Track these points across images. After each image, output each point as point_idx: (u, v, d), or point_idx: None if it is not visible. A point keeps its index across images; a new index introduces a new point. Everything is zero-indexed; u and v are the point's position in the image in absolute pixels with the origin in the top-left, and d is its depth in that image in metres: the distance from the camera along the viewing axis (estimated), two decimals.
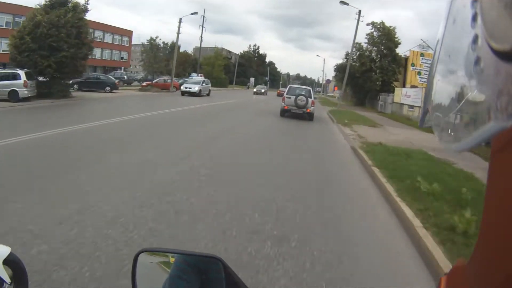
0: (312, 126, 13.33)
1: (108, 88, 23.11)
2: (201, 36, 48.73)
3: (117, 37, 51.80)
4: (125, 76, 31.31)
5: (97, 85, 23.28)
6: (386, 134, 12.11)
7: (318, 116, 16.81)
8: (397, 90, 25.35)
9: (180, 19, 28.88)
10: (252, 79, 72.43)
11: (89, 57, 19.48)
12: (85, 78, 25.35)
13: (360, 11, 26.14)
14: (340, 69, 33.06)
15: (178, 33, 28.74)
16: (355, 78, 29.47)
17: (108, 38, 50.73)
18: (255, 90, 41.31)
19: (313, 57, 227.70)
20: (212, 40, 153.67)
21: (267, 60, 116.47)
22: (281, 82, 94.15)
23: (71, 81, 25.77)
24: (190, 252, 0.86)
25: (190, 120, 12.19)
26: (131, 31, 50.03)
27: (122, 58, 51.99)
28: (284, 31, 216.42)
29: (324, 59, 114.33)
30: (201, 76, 51.16)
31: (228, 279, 0.74)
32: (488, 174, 0.34)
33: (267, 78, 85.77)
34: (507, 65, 0.22)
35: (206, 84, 28.80)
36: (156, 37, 44.63)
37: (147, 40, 44.52)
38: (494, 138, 0.30)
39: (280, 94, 40.06)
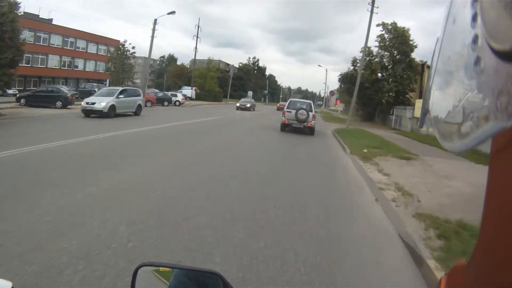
0: (315, 169, 8.27)
1: (59, 103, 18.33)
2: (196, 47, 48.63)
3: (102, 47, 47.46)
4: (95, 89, 26.58)
5: (48, 100, 20.23)
6: (435, 177, 7.77)
7: (323, 142, 14.16)
8: (418, 103, 20.35)
9: (155, 20, 24.65)
10: (250, 93, 68.05)
11: (19, 63, 14.72)
12: (33, 91, 20.57)
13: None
14: (345, 79, 28.23)
15: (153, 36, 24.70)
16: (363, 89, 25.13)
17: (91, 48, 46.31)
18: (238, 104, 35.52)
19: (314, 71, 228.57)
20: (212, 53, 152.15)
21: (267, 73, 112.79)
22: (281, 96, 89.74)
23: (17, 95, 21.15)
24: (190, 267, 0.90)
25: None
26: (118, 41, 45.83)
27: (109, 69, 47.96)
28: (286, 45, 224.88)
29: (326, 69, 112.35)
30: (195, 89, 46.60)
31: None
32: (488, 174, 0.35)
33: (266, 92, 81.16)
34: (507, 65, 0.23)
35: (130, 97, 17.71)
36: (124, 42, 40.25)
37: (113, 48, 40.58)
38: (494, 138, 0.32)
39: (280, 108, 38.23)
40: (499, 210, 0.33)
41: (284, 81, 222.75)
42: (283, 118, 15.01)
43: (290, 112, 14.74)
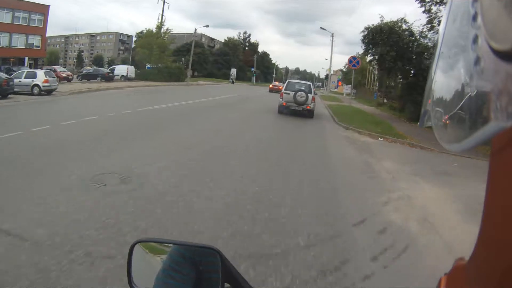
0: None
1: None
2: (162, 14, 37.59)
3: (20, 14, 33.31)
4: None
5: None
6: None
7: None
8: None
9: None
10: (233, 71, 54.47)
11: None
12: None
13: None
14: (376, 36, 15.40)
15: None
16: (407, 61, 16.19)
17: (5, 17, 32.39)
18: None
19: (313, 52, 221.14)
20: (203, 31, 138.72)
21: (261, 50, 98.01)
22: (274, 76, 76.15)
23: None
24: (187, 243, 0.87)
25: None
26: (47, 6, 32.29)
27: (31, 44, 33.74)
28: (285, 26, 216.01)
29: (332, 34, 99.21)
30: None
31: (225, 271, 0.76)
32: (488, 174, 0.36)
33: (253, 70, 66.99)
34: (507, 65, 0.23)
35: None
36: None
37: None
38: (494, 138, 0.32)
39: (272, 90, 34.62)
40: (499, 210, 0.33)
41: (283, 61, 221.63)
42: (281, 100, 14.70)
43: (288, 94, 14.40)
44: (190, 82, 38.25)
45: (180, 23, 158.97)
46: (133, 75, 33.93)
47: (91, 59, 75.28)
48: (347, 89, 48.60)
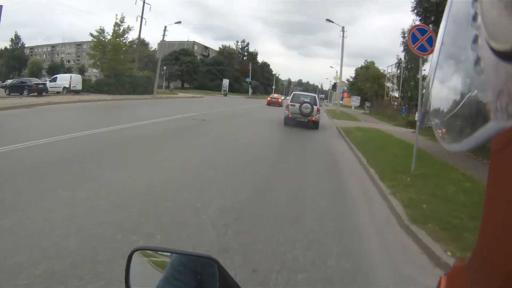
0: None
1: None
2: (141, 16, 30.41)
3: None
4: None
5: None
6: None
7: None
8: None
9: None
10: (226, 81, 47.49)
11: None
12: None
13: None
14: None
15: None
16: None
17: None
18: None
19: (316, 63, 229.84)
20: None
21: (260, 60, 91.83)
22: (274, 87, 69.14)
23: None
24: (185, 252, 0.87)
25: None
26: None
27: None
28: (288, 38, 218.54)
29: (337, 71, 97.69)
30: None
31: (222, 281, 0.76)
32: (488, 174, 0.36)
33: (248, 80, 59.05)
34: (507, 65, 0.23)
35: None
36: None
37: None
38: (494, 138, 0.32)
39: (271, 103, 34.05)
40: (499, 210, 0.33)
41: (285, 73, 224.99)
42: (287, 111, 14.88)
43: (294, 105, 14.56)
44: (160, 95, 29.93)
45: (181, 36, 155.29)
46: (79, 87, 25.74)
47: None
48: (355, 101, 40.80)
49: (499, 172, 0.33)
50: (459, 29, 0.32)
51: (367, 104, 39.73)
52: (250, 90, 57.40)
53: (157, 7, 73.85)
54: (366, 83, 43.10)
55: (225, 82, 51.37)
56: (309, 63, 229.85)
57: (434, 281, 1.77)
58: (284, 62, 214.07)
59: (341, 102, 57.29)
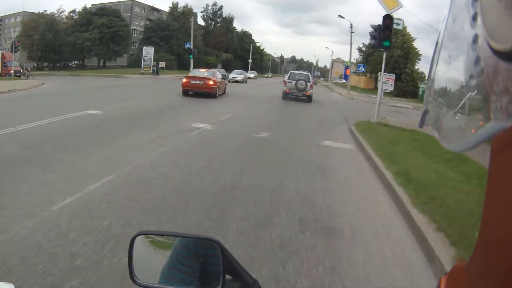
0: None
1: None
2: None
3: None
4: None
5: None
6: None
7: None
8: None
9: None
10: (149, 50, 28.90)
11: None
12: None
13: None
14: None
15: None
16: None
17: None
18: None
19: (311, 41, 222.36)
20: None
21: (239, 29, 72.44)
22: (250, 61, 51.85)
23: None
24: (187, 234, 0.86)
25: None
26: None
27: None
28: (282, 16, 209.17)
29: (332, 51, 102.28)
30: None
31: (225, 262, 0.76)
32: (488, 174, 0.36)
33: (189, 45, 33.03)
34: (507, 65, 0.23)
35: None
36: None
37: None
38: (494, 138, 0.32)
39: (190, 88, 21.62)
40: (499, 210, 0.33)
41: (280, 52, 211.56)
42: (285, 87, 17.42)
43: (291, 82, 17.12)
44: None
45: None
46: None
47: None
48: (387, 82, 22.68)
49: (499, 171, 0.33)
50: (459, 29, 0.31)
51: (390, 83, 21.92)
52: (192, 63, 27.21)
53: None
54: (394, 50, 25.44)
55: (149, 51, 31.78)
56: (304, 41, 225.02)
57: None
58: (279, 40, 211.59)
59: (344, 81, 40.05)
